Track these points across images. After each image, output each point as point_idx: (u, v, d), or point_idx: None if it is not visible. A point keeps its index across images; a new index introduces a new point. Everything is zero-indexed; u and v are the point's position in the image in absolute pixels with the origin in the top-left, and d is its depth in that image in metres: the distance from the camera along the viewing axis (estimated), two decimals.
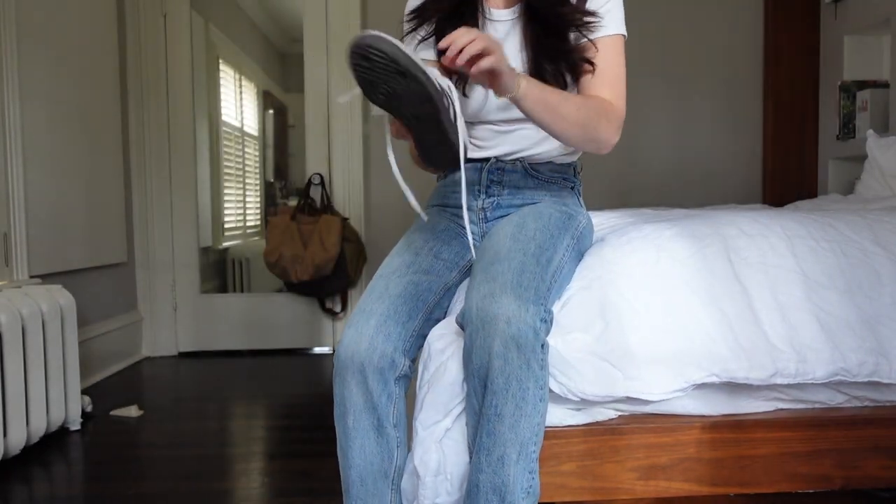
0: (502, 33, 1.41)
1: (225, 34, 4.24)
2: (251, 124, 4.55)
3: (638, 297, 1.35)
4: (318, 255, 3.43)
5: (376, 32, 1.06)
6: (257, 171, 4.62)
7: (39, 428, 2.25)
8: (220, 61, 4.16)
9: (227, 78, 4.27)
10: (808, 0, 3.63)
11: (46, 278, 2.66)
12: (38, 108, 2.69)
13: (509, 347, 1.14)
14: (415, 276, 1.36)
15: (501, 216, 1.46)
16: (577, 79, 1.39)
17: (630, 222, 1.57)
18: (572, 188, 1.51)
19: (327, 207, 3.65)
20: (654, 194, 3.71)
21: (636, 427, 1.34)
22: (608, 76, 1.38)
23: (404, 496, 1.31)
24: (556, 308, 1.32)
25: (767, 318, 1.36)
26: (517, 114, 1.41)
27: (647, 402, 1.34)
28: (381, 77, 1.09)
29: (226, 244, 4.25)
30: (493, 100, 1.41)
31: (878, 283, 1.43)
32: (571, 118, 1.28)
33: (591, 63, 1.37)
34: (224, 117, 4.18)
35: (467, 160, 1.35)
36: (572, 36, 1.38)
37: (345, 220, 3.58)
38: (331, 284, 3.56)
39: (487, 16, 1.42)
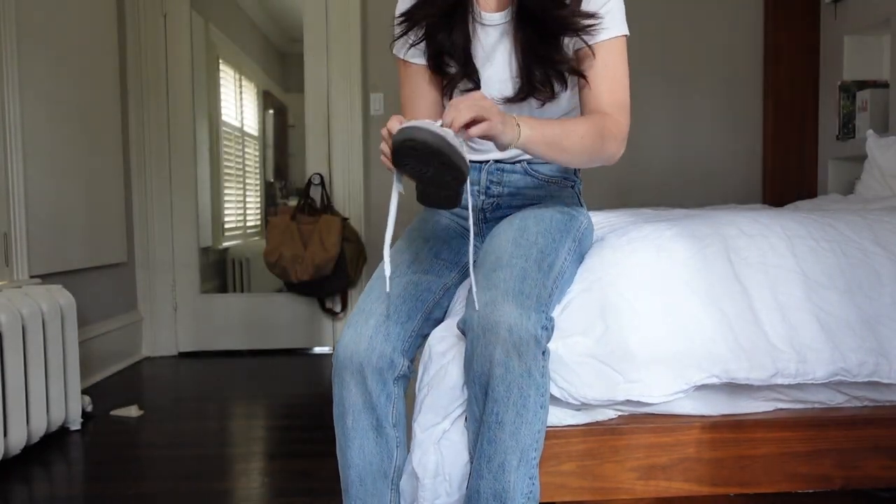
0: (494, 38, 1.38)
1: (225, 34, 4.24)
2: (251, 124, 4.55)
3: (638, 299, 1.35)
4: (318, 255, 3.43)
5: (419, 124, 1.07)
6: (257, 171, 4.62)
7: (40, 428, 2.25)
8: (220, 61, 4.16)
9: (227, 78, 4.27)
10: (808, 0, 3.63)
11: (46, 278, 2.66)
12: (38, 108, 2.69)
13: (510, 355, 1.14)
14: (414, 276, 1.36)
15: (501, 217, 1.46)
16: (565, 87, 1.36)
17: (630, 222, 1.57)
18: (572, 187, 1.50)
19: (327, 207, 3.65)
20: (654, 194, 3.71)
21: (636, 427, 1.34)
22: (610, 86, 1.33)
23: (403, 497, 1.31)
24: (556, 311, 1.32)
25: (768, 319, 1.36)
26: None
27: (647, 405, 1.34)
28: (423, 163, 1.11)
29: (226, 244, 4.25)
30: (500, 106, 1.40)
31: (878, 283, 1.43)
32: (576, 149, 1.27)
33: (584, 76, 1.34)
34: (224, 117, 4.18)
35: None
36: (570, 41, 1.34)
37: (345, 220, 3.58)
38: (331, 284, 3.56)
39: (479, 20, 1.38)
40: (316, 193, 3.68)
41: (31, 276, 2.60)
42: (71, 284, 2.79)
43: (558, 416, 1.33)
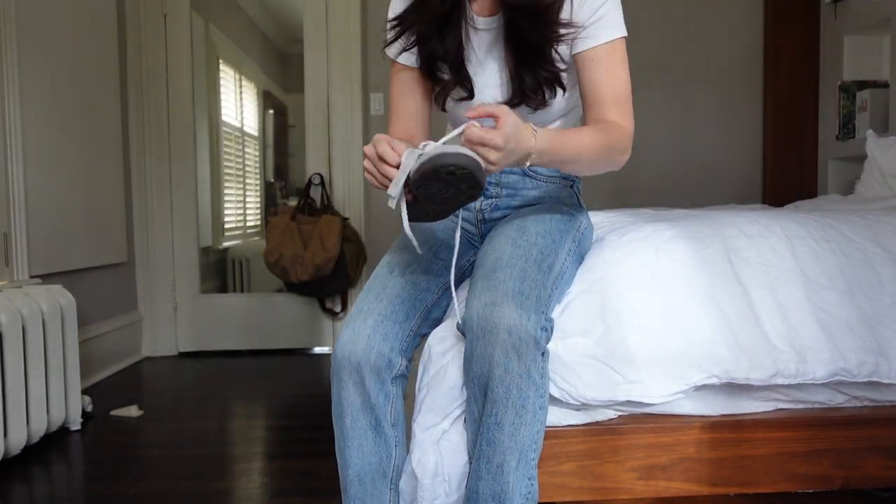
0: (487, 42, 1.37)
1: (225, 34, 4.24)
2: (251, 124, 4.55)
3: (638, 299, 1.35)
4: (318, 255, 3.43)
5: (453, 149, 1.08)
6: (257, 171, 4.62)
7: (40, 428, 2.25)
8: (220, 61, 4.16)
9: (227, 78, 4.28)
10: (808, 0, 3.63)
11: (46, 278, 2.66)
12: (38, 108, 2.69)
13: (510, 356, 1.14)
14: (413, 276, 1.36)
15: (500, 217, 1.46)
16: (554, 94, 1.35)
17: (630, 222, 1.57)
18: (571, 187, 1.50)
19: (327, 207, 3.65)
20: (654, 194, 3.71)
21: (636, 427, 1.34)
22: (612, 92, 1.32)
23: (402, 497, 1.31)
24: (556, 312, 1.32)
25: (768, 319, 1.36)
26: None
27: (647, 405, 1.34)
28: (449, 185, 1.11)
29: (226, 244, 4.25)
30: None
31: (878, 284, 1.43)
32: (583, 164, 1.29)
33: (564, 88, 1.34)
34: (224, 117, 4.18)
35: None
36: (566, 48, 1.33)
37: (345, 220, 3.58)
38: (331, 284, 3.56)
39: (472, 24, 1.36)
40: (316, 193, 3.69)
41: (31, 276, 2.60)
42: (71, 284, 2.79)
43: (558, 416, 1.33)
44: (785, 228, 1.49)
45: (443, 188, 1.12)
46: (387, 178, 1.15)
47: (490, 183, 1.45)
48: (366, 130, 3.73)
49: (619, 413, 1.36)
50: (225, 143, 4.19)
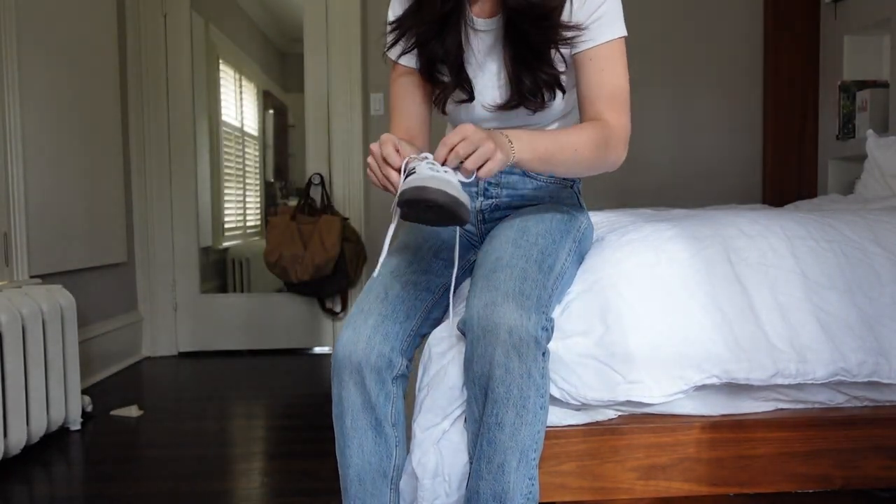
0: (487, 44, 1.36)
1: (225, 34, 4.24)
2: (251, 124, 4.55)
3: (638, 299, 1.35)
4: (318, 255, 3.43)
5: (430, 183, 1.09)
6: (257, 171, 4.62)
7: (40, 428, 2.25)
8: (220, 61, 4.17)
9: (227, 78, 4.28)
10: (808, 0, 3.63)
11: (46, 278, 2.66)
12: (38, 108, 2.69)
13: (510, 356, 1.14)
14: (413, 276, 1.36)
15: (500, 218, 1.46)
16: (554, 96, 1.34)
17: (630, 222, 1.57)
18: (572, 187, 1.50)
19: (327, 207, 3.65)
20: (654, 194, 3.71)
21: (636, 427, 1.34)
22: (608, 92, 1.31)
23: (403, 497, 1.31)
24: (556, 312, 1.32)
25: (768, 319, 1.36)
26: (506, 122, 1.40)
27: (648, 405, 1.34)
28: (431, 213, 1.13)
29: (226, 244, 4.25)
30: (481, 111, 1.39)
31: (878, 284, 1.43)
32: (571, 163, 1.27)
33: (564, 90, 1.34)
34: (224, 117, 4.18)
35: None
36: (567, 51, 1.32)
37: (345, 220, 3.58)
38: (331, 284, 3.56)
39: (472, 25, 1.36)
40: (316, 193, 3.69)
41: (31, 276, 2.60)
42: (71, 284, 2.79)
43: (558, 416, 1.33)
44: (785, 228, 1.49)
45: (425, 213, 1.13)
46: (388, 179, 1.16)
47: (490, 183, 1.45)
48: (366, 130, 3.73)
49: (619, 413, 1.36)
50: (225, 143, 4.19)
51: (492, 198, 1.46)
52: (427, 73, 1.39)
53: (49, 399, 2.31)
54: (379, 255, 1.26)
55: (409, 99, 1.44)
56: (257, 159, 4.60)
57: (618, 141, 1.30)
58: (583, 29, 1.29)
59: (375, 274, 1.31)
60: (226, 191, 4.21)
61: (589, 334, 1.31)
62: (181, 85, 3.69)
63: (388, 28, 1.40)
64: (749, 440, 1.35)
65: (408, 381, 1.35)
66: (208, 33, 3.97)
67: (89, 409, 2.64)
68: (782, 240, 1.46)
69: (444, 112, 1.44)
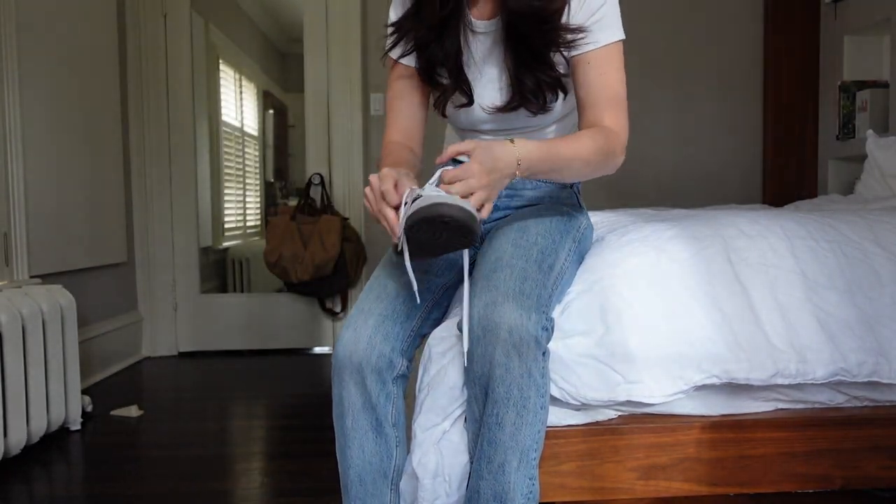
0: (486, 45, 1.36)
1: (225, 34, 4.24)
2: (251, 124, 4.56)
3: (638, 299, 1.35)
4: (318, 255, 3.43)
5: (447, 199, 1.09)
6: (257, 171, 4.62)
7: (40, 428, 2.25)
8: (220, 61, 4.17)
9: (227, 78, 4.28)
10: (808, 0, 3.63)
11: (46, 278, 2.66)
12: (38, 108, 2.69)
13: (511, 356, 1.14)
14: (413, 276, 1.36)
15: (500, 218, 1.46)
16: (556, 97, 1.34)
17: (630, 223, 1.57)
18: (571, 187, 1.50)
19: (327, 207, 3.65)
20: (654, 194, 3.71)
21: (636, 427, 1.34)
22: (607, 96, 1.30)
23: (403, 498, 1.31)
24: (556, 312, 1.32)
25: (768, 319, 1.36)
26: (507, 125, 1.40)
27: (648, 405, 1.34)
28: (444, 230, 1.13)
29: (226, 244, 4.26)
30: (481, 113, 1.39)
31: (878, 284, 1.43)
32: (575, 172, 1.28)
33: (566, 91, 1.34)
34: (224, 117, 4.18)
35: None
36: (566, 52, 1.32)
37: (345, 220, 3.58)
38: (331, 284, 3.56)
39: (471, 28, 1.35)
40: (316, 193, 3.69)
41: (31, 276, 2.60)
42: (71, 284, 2.79)
43: (558, 416, 1.33)
44: (785, 228, 1.49)
45: (437, 234, 1.13)
46: (384, 215, 1.16)
47: None
48: (366, 130, 3.73)
49: (619, 413, 1.36)
50: (225, 143, 4.19)
51: None
52: (427, 75, 1.39)
53: (49, 399, 2.31)
54: (379, 255, 1.25)
55: (407, 100, 1.44)
56: (257, 159, 4.60)
57: (620, 146, 1.31)
58: (583, 31, 1.29)
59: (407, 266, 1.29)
60: (226, 191, 4.22)
61: (589, 334, 1.32)
62: (181, 85, 3.69)
63: (388, 31, 1.40)
64: (749, 440, 1.35)
65: (408, 382, 1.35)
66: (208, 33, 3.97)
67: (89, 409, 2.64)
68: (782, 240, 1.46)
69: (444, 115, 1.44)
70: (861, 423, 1.38)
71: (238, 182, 4.39)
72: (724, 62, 3.77)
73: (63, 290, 2.46)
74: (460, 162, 1.26)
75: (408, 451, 1.31)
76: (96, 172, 3.17)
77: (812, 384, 1.36)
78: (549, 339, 1.19)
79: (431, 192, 1.11)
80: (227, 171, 4.22)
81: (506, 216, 1.45)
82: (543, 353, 1.17)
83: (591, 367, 1.30)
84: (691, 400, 1.36)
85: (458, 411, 1.26)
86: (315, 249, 3.43)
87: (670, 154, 3.80)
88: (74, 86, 2.97)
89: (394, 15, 1.40)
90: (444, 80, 1.38)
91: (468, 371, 1.21)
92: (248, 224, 4.53)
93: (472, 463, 1.22)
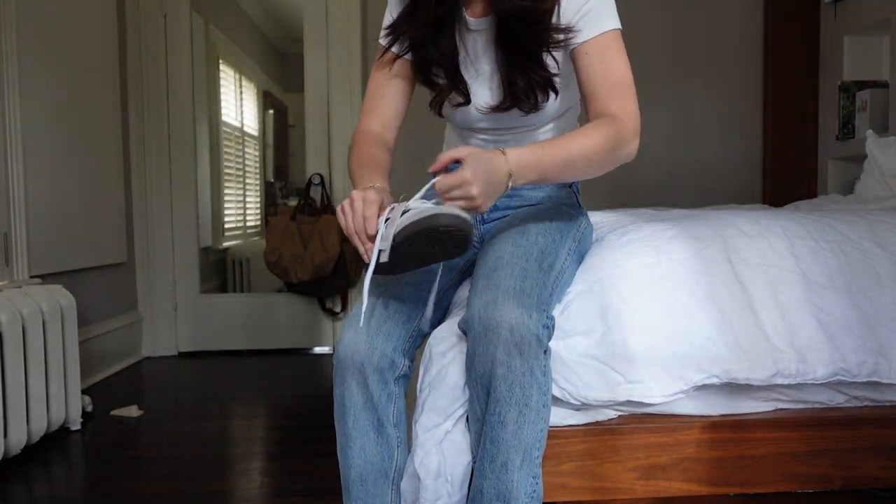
0: (481, 44, 1.36)
1: (225, 34, 4.24)
2: (251, 124, 4.56)
3: (638, 300, 1.35)
4: (318, 255, 3.43)
5: (447, 210, 1.09)
6: (257, 171, 4.62)
7: (40, 428, 2.25)
8: (220, 61, 4.17)
9: (227, 78, 4.28)
10: (808, 0, 3.63)
11: (46, 278, 2.66)
12: (38, 108, 2.69)
13: (512, 355, 1.14)
14: (414, 276, 1.36)
15: (500, 218, 1.46)
16: (547, 97, 1.33)
17: (630, 222, 1.57)
18: (570, 187, 1.50)
19: (327, 207, 3.65)
20: (654, 194, 3.71)
21: (636, 427, 1.34)
22: (608, 83, 1.28)
23: (404, 498, 1.31)
24: (556, 312, 1.32)
25: (768, 319, 1.36)
26: (503, 124, 1.40)
27: (648, 405, 1.34)
28: (438, 243, 1.14)
29: (226, 244, 4.26)
30: (475, 113, 1.39)
31: (877, 284, 1.43)
32: (582, 170, 1.24)
33: (557, 92, 1.33)
34: (224, 117, 4.18)
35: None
36: (560, 53, 1.31)
37: None
38: (331, 284, 3.56)
39: (466, 26, 1.35)
40: (316, 193, 3.69)
41: (31, 276, 2.59)
42: (71, 284, 2.79)
43: (559, 416, 1.33)
44: (785, 228, 1.49)
45: (428, 246, 1.13)
46: (360, 239, 1.17)
47: None
48: None
49: (620, 413, 1.37)
50: (225, 143, 4.19)
51: None
52: (422, 75, 1.39)
53: (49, 399, 2.31)
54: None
55: (392, 89, 1.42)
56: (257, 159, 4.60)
57: (630, 133, 1.26)
58: (572, 28, 1.28)
59: (364, 303, 1.29)
60: (226, 191, 4.22)
61: (589, 334, 1.32)
62: (181, 85, 3.69)
63: (384, 32, 1.40)
64: (749, 440, 1.35)
65: (409, 382, 1.35)
66: (208, 33, 3.97)
67: (89, 409, 2.64)
68: (782, 240, 1.46)
69: (439, 114, 1.44)
70: (861, 423, 1.38)
71: (238, 182, 4.39)
72: (723, 62, 3.77)
73: (63, 290, 2.46)
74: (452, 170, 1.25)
75: (409, 451, 1.31)
76: (96, 172, 3.17)
77: (812, 384, 1.36)
78: (550, 338, 1.19)
79: (420, 205, 1.11)
80: (227, 171, 4.22)
81: (505, 216, 1.45)
82: (545, 352, 1.17)
83: (592, 367, 1.30)
84: (691, 400, 1.36)
85: (460, 411, 1.26)
86: (315, 249, 3.44)
87: (670, 154, 3.80)
88: (74, 86, 2.97)
89: (389, 17, 1.40)
90: (440, 80, 1.38)
91: (470, 370, 1.21)
92: (248, 224, 4.53)
93: (475, 462, 1.22)
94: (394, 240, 1.11)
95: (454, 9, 1.32)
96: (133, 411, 2.66)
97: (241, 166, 4.40)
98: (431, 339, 1.32)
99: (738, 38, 3.76)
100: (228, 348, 3.79)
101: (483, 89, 1.37)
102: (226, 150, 4.20)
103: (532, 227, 1.31)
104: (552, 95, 1.34)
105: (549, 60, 1.32)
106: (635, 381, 1.30)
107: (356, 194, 1.17)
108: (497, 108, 1.35)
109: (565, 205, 1.46)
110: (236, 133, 4.35)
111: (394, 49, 1.39)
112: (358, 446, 1.29)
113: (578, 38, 1.29)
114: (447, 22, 1.33)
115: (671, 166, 3.80)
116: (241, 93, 4.46)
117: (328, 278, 3.50)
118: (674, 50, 3.75)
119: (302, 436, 2.42)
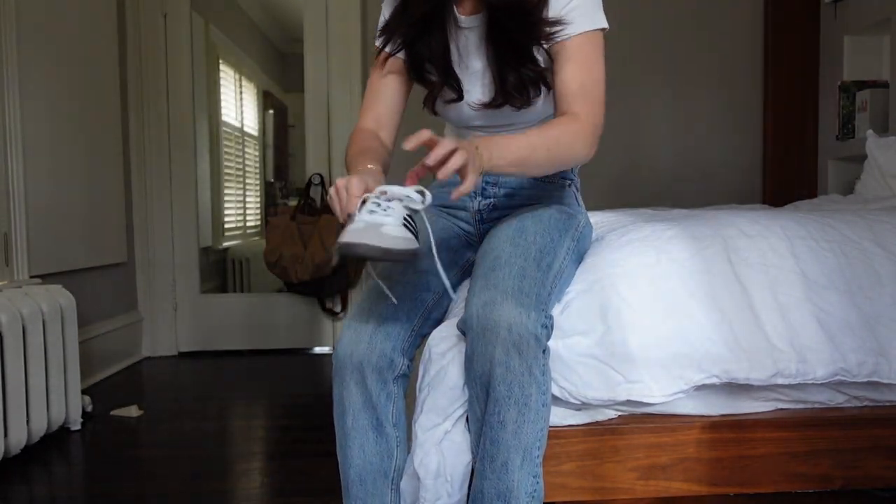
0: (473, 41, 1.36)
1: (225, 34, 4.24)
2: (251, 124, 4.56)
3: (638, 300, 1.35)
4: (318, 255, 3.43)
5: (363, 239, 1.08)
6: (257, 171, 4.62)
7: (40, 428, 2.25)
8: (220, 61, 4.17)
9: (227, 78, 4.28)
10: (808, 0, 3.63)
11: (46, 278, 2.66)
12: (38, 108, 2.69)
13: (511, 355, 1.14)
14: (413, 276, 1.36)
15: (498, 217, 1.46)
16: (539, 92, 1.34)
17: (630, 222, 1.57)
18: (569, 186, 1.50)
19: (327, 207, 3.65)
20: (654, 194, 3.71)
21: (636, 427, 1.34)
22: (579, 85, 1.29)
23: (404, 498, 1.31)
24: (556, 311, 1.32)
25: (768, 319, 1.36)
26: (499, 120, 1.40)
27: (648, 405, 1.34)
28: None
29: (226, 244, 4.26)
30: (468, 110, 1.39)
31: (878, 284, 1.43)
32: (544, 163, 1.26)
33: (549, 87, 1.33)
34: (224, 117, 4.18)
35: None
36: (546, 45, 1.32)
37: None
38: (331, 284, 3.56)
39: (457, 23, 1.36)
40: (316, 193, 3.68)
41: (31, 276, 2.59)
42: (71, 284, 2.78)
43: (558, 416, 1.33)
44: (785, 228, 1.49)
45: (377, 259, 1.13)
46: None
47: (488, 183, 1.46)
48: None
49: (620, 413, 1.37)
50: (225, 143, 4.19)
51: (489, 197, 1.46)
52: (415, 72, 1.39)
53: (49, 399, 2.31)
54: None
55: (387, 88, 1.43)
56: (257, 159, 4.60)
57: (587, 134, 1.28)
58: (561, 23, 1.29)
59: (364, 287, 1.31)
60: (226, 191, 4.21)
61: (589, 334, 1.32)
62: (181, 85, 3.69)
63: (378, 32, 1.41)
64: (749, 440, 1.35)
65: (408, 381, 1.35)
66: (208, 33, 3.97)
67: (89, 409, 2.64)
68: (782, 240, 1.46)
69: (434, 112, 1.44)
70: (861, 423, 1.38)
71: (238, 182, 4.39)
72: (724, 62, 3.77)
73: (63, 290, 2.46)
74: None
75: (408, 451, 1.31)
76: (96, 172, 3.17)
77: (812, 384, 1.36)
78: (548, 337, 1.19)
79: (363, 216, 1.09)
80: (227, 171, 4.22)
81: (504, 215, 1.45)
82: (544, 351, 1.17)
83: (592, 367, 1.30)
84: (691, 400, 1.36)
85: (460, 411, 1.26)
86: (315, 249, 3.43)
87: (670, 154, 3.80)
88: (74, 86, 2.97)
89: (383, 18, 1.41)
90: (432, 77, 1.39)
91: (469, 370, 1.21)
92: (248, 224, 4.53)
93: (475, 463, 1.22)
94: (341, 251, 1.10)
95: (444, 6, 1.33)
96: (133, 411, 2.66)
97: (241, 166, 4.40)
98: (431, 340, 1.32)
99: (738, 39, 3.76)
100: (228, 348, 3.79)
101: (475, 86, 1.38)
102: (226, 150, 4.20)
103: (530, 227, 1.31)
104: (543, 90, 1.35)
105: (539, 56, 1.32)
106: (635, 381, 1.30)
107: (340, 180, 1.16)
108: (489, 105, 1.36)
109: (564, 203, 1.46)
110: (236, 133, 4.35)
111: (387, 48, 1.40)
112: (357, 446, 1.29)
113: (560, 34, 1.30)
114: (437, 19, 1.34)
115: (671, 166, 3.80)
116: (241, 93, 4.46)
117: (328, 278, 3.50)
118: (674, 50, 3.75)
119: (302, 436, 2.42)
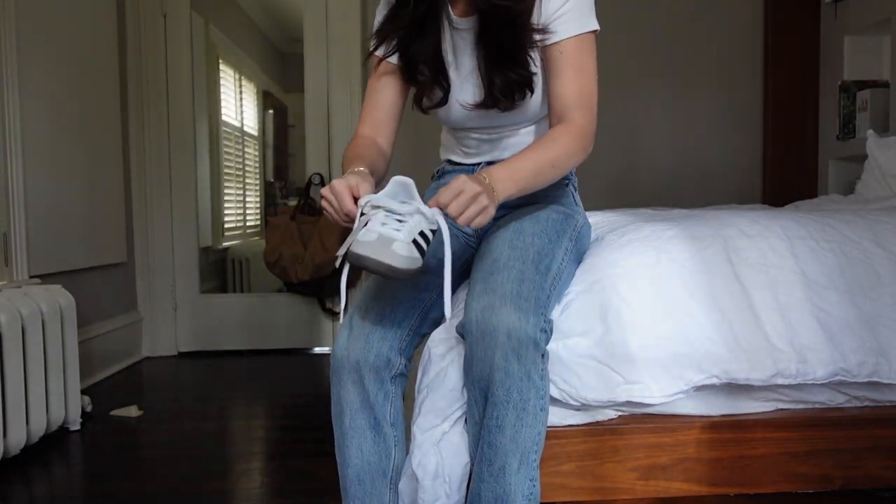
0: (468, 42, 1.37)
1: (225, 34, 4.24)
2: (251, 124, 4.55)
3: (638, 300, 1.35)
4: (318, 255, 3.42)
5: (371, 252, 1.08)
6: (257, 171, 4.62)
7: (39, 428, 2.25)
8: (220, 61, 4.16)
9: (227, 78, 4.28)
10: (808, 0, 3.63)
11: (46, 278, 2.66)
12: (38, 108, 2.69)
13: (510, 359, 1.14)
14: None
15: (497, 217, 1.45)
16: (523, 96, 1.34)
17: (629, 222, 1.57)
18: (567, 186, 1.50)
19: None
20: (654, 194, 3.71)
21: (636, 427, 1.34)
22: (573, 90, 1.30)
23: (402, 499, 1.31)
24: (555, 312, 1.32)
25: (768, 319, 1.36)
26: (499, 122, 1.40)
27: (648, 405, 1.34)
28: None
29: (226, 244, 4.25)
30: (460, 110, 1.39)
31: (878, 284, 1.43)
32: (550, 178, 1.29)
33: (532, 90, 1.34)
34: (224, 117, 4.18)
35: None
36: (535, 51, 1.32)
37: None
38: (331, 284, 3.56)
39: (453, 25, 1.36)
40: (316, 193, 3.68)
41: (31, 276, 2.59)
42: (71, 284, 2.78)
43: (558, 416, 1.33)
44: (785, 228, 1.49)
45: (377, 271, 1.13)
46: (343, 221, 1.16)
47: None
48: None
49: (620, 413, 1.36)
50: (225, 143, 4.19)
51: None
52: (408, 74, 1.40)
53: (49, 399, 2.31)
54: None
55: (383, 94, 1.44)
56: (257, 159, 4.60)
57: (587, 142, 1.31)
58: (550, 30, 1.29)
59: (341, 318, 1.31)
60: (226, 191, 4.21)
61: (589, 334, 1.31)
62: (181, 85, 3.69)
63: (372, 36, 1.41)
64: (749, 440, 1.35)
65: (407, 381, 1.35)
66: (208, 33, 3.97)
67: (89, 409, 2.64)
68: (782, 240, 1.46)
69: (424, 112, 1.44)
70: (861, 423, 1.38)
71: (238, 182, 4.39)
72: (723, 62, 3.77)
73: (62, 290, 2.46)
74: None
75: (407, 451, 1.31)
76: (96, 172, 3.17)
77: (812, 384, 1.36)
78: (547, 341, 1.19)
79: (375, 227, 1.10)
80: (226, 170, 4.21)
81: (502, 216, 1.44)
82: (542, 356, 1.17)
83: (591, 368, 1.30)
84: (691, 400, 1.36)
85: (458, 413, 1.26)
86: (315, 249, 3.43)
87: (670, 154, 3.80)
88: (74, 86, 2.97)
89: (377, 22, 1.42)
90: (423, 78, 1.39)
91: (468, 374, 1.21)
92: (248, 224, 4.53)
93: (472, 465, 1.22)
94: (349, 259, 1.11)
95: (437, 7, 1.34)
96: (133, 411, 2.66)
97: (240, 166, 4.40)
98: (430, 341, 1.32)
99: (738, 39, 3.76)
100: (228, 348, 3.79)
101: (467, 87, 1.38)
102: (226, 149, 4.20)
103: (528, 229, 1.31)
104: (528, 94, 1.35)
105: (533, 59, 1.32)
106: (635, 382, 1.30)
107: (324, 190, 1.17)
108: (480, 106, 1.36)
109: (563, 204, 1.46)
110: (236, 133, 4.35)
111: (382, 52, 1.40)
112: (355, 445, 1.29)
113: (555, 38, 1.30)
114: (430, 20, 1.35)
115: (671, 166, 3.80)
116: (240, 93, 4.46)
117: (328, 278, 3.50)
118: (674, 50, 3.75)
119: (302, 436, 2.42)
